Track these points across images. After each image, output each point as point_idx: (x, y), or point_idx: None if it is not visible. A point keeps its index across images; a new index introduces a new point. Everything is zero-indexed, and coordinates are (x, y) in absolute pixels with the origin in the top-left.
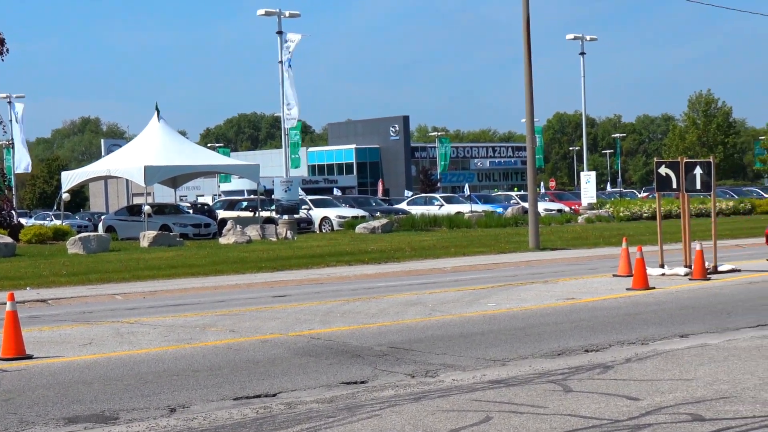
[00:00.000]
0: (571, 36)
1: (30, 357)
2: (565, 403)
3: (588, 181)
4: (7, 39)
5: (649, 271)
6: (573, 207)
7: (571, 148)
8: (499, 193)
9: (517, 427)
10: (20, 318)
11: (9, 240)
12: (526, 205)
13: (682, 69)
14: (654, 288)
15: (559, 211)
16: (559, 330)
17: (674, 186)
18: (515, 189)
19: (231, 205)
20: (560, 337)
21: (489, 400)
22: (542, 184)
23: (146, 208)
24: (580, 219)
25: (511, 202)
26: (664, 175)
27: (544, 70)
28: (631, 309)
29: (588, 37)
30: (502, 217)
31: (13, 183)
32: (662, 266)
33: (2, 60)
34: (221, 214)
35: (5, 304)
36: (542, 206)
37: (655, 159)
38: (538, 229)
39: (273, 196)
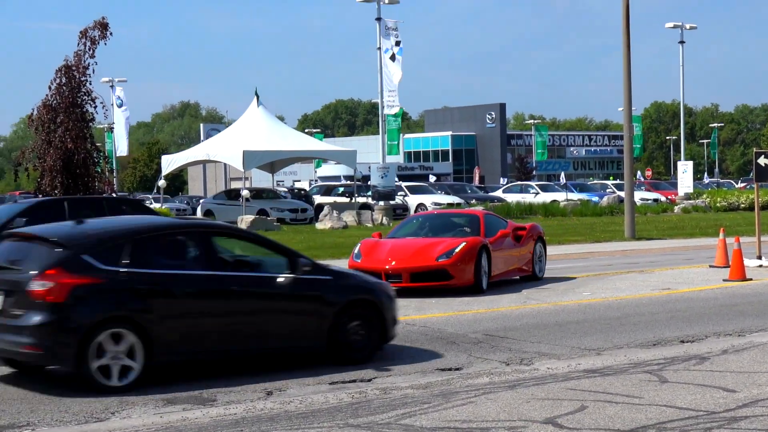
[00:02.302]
0: (671, 24)
1: None
2: (660, 394)
3: (685, 170)
4: (110, 23)
5: (746, 262)
6: (669, 197)
7: (668, 138)
8: (595, 181)
9: (612, 416)
10: None
11: None
12: (622, 194)
13: None
14: (751, 279)
15: (656, 200)
16: (654, 320)
17: None
18: (611, 178)
19: (328, 191)
20: (656, 328)
21: (584, 389)
22: (638, 173)
23: (245, 193)
24: (676, 209)
25: (607, 191)
26: (763, 165)
27: (641, 58)
28: (728, 300)
29: (688, 26)
30: (597, 206)
31: (114, 166)
32: (759, 257)
33: (105, 44)
34: (318, 199)
35: None
36: (638, 195)
37: (754, 149)
38: (633, 219)
39: (369, 182)
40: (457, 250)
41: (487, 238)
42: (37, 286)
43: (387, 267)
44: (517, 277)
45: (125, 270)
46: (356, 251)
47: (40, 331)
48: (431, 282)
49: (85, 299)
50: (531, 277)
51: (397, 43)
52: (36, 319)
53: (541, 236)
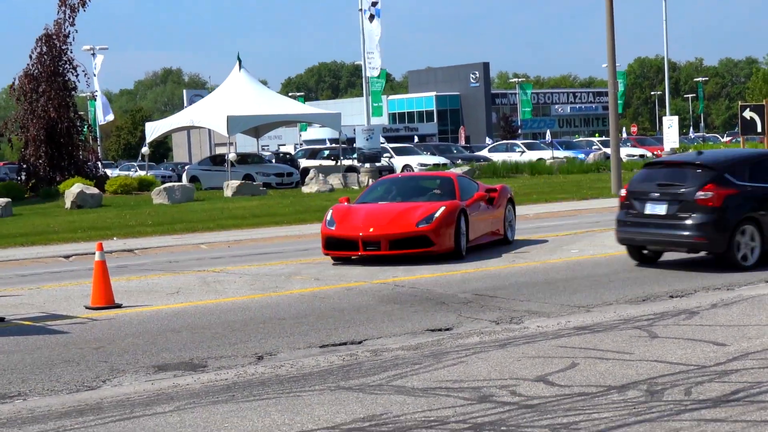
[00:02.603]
0: None
1: (119, 306)
2: (651, 349)
3: (670, 125)
4: None
5: None
6: (655, 152)
7: (652, 93)
8: (581, 139)
9: (603, 373)
10: (109, 268)
11: (95, 191)
12: (607, 150)
13: (766, 11)
14: None
15: (642, 156)
16: (643, 276)
17: (759, 129)
18: (596, 135)
19: (313, 154)
20: (645, 283)
21: (574, 347)
22: (624, 129)
23: (231, 156)
24: None
25: (593, 148)
26: (749, 118)
27: (624, 13)
28: None
29: None
30: (583, 164)
31: (98, 134)
32: None
33: (84, 11)
34: (303, 163)
35: (94, 254)
36: (624, 152)
37: (740, 103)
38: (620, 175)
39: (354, 145)
40: (437, 215)
41: (463, 202)
42: (701, 196)
43: (364, 234)
44: (487, 241)
45: (749, 184)
46: (329, 218)
47: (705, 227)
48: (411, 249)
49: (731, 205)
50: (503, 241)
51: (374, 3)
52: (702, 218)
53: (511, 198)
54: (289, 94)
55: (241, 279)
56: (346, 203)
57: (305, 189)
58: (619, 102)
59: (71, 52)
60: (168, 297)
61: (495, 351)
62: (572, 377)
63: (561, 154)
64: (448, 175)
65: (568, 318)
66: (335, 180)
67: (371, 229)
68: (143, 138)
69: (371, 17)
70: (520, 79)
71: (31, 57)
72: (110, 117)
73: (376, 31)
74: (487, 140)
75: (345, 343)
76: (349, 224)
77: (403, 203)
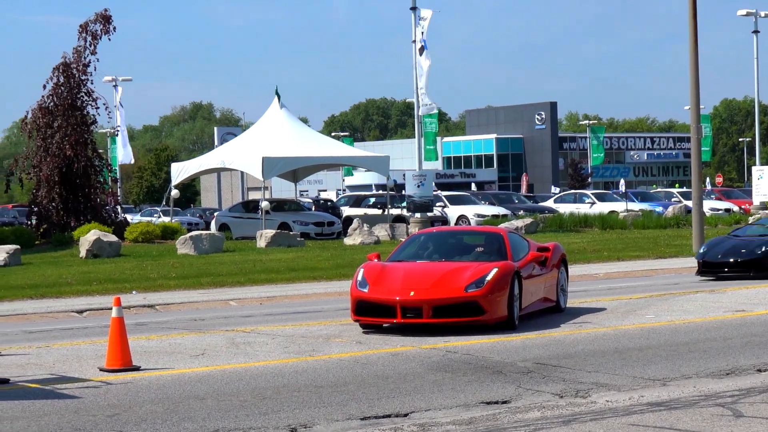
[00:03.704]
0: (744, 12)
1: (137, 368)
2: (735, 430)
3: (761, 176)
4: (113, 16)
5: None
6: (743, 206)
7: (741, 139)
8: (659, 189)
9: None
10: (126, 325)
11: (114, 238)
12: (689, 203)
13: None
14: None
15: (727, 210)
16: (727, 346)
17: None
18: (677, 185)
19: (357, 202)
20: (729, 355)
21: (648, 425)
22: (708, 179)
23: (264, 204)
24: (750, 220)
25: (672, 200)
26: None
27: (710, 49)
28: None
29: (762, 13)
30: (661, 218)
31: (118, 175)
32: None
33: (108, 39)
34: (346, 211)
35: (111, 309)
36: (708, 205)
37: None
38: (703, 231)
39: (404, 192)
40: (488, 277)
41: (516, 263)
42: None
43: (402, 298)
44: (537, 309)
45: None
46: (360, 278)
47: None
48: (458, 318)
49: None
50: (554, 308)
51: (423, 33)
52: None
53: (564, 259)
54: (332, 134)
55: (274, 341)
56: (376, 260)
57: (348, 241)
58: (703, 149)
59: (91, 83)
60: (192, 359)
61: (558, 428)
62: None
63: (636, 206)
64: (496, 230)
65: (642, 392)
66: (381, 231)
67: (411, 293)
68: (168, 180)
69: (421, 50)
70: (591, 121)
71: (45, 87)
72: (128, 158)
73: (424, 64)
74: (553, 189)
75: (389, 416)
76: (384, 286)
77: (447, 263)
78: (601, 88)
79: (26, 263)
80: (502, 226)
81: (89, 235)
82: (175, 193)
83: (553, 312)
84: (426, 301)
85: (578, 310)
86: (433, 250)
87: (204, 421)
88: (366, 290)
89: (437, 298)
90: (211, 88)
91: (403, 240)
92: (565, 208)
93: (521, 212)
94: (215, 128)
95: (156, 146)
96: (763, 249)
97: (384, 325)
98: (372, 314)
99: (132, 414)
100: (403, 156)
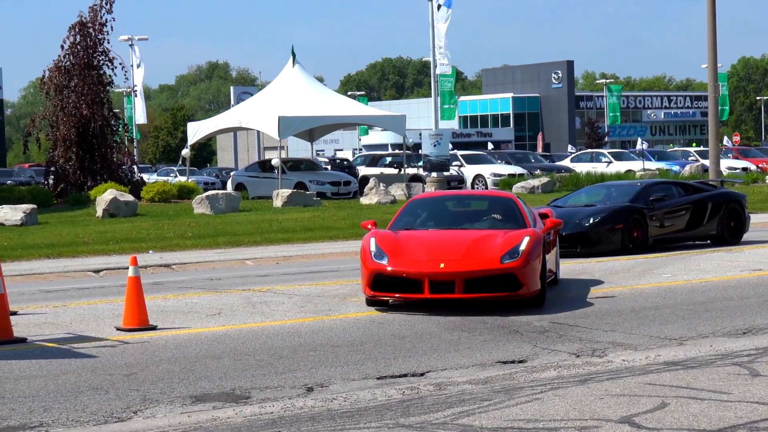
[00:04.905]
0: None
1: (154, 328)
2: (752, 389)
3: None
4: None
5: None
6: (760, 165)
7: (758, 98)
8: (676, 148)
9: (697, 415)
10: (143, 285)
11: (130, 198)
12: (706, 162)
13: None
14: None
15: (744, 169)
16: (744, 305)
17: None
18: (693, 144)
19: (373, 161)
20: (746, 314)
21: (664, 384)
22: (725, 138)
23: (275, 161)
24: None
25: (689, 159)
26: None
27: (728, 7)
28: None
29: None
30: (678, 177)
31: (135, 135)
32: None
33: None
34: (362, 170)
35: (127, 269)
36: (725, 164)
37: None
38: None
39: (420, 151)
40: (522, 246)
41: (539, 230)
42: None
43: (431, 271)
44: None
45: None
46: (373, 248)
47: None
48: (493, 292)
49: None
50: (553, 281)
51: None
52: None
53: (559, 226)
54: (348, 93)
55: (290, 300)
56: (371, 226)
57: (364, 200)
58: (720, 108)
59: (108, 43)
60: (208, 319)
61: (574, 387)
62: (661, 419)
63: (653, 165)
64: (506, 195)
65: (658, 352)
66: (398, 190)
67: (441, 265)
68: (184, 140)
69: (439, 6)
70: (607, 80)
71: (62, 47)
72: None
73: (441, 23)
74: (570, 148)
75: (405, 375)
76: (406, 257)
77: (469, 231)
78: (618, 47)
79: (43, 223)
80: (517, 186)
81: (106, 195)
82: (186, 152)
83: (551, 284)
84: (458, 274)
85: (592, 269)
86: (443, 217)
87: (220, 380)
88: (385, 262)
89: (470, 270)
90: (228, 47)
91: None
92: (581, 168)
93: (538, 171)
94: (231, 88)
95: (172, 106)
96: (591, 221)
97: (391, 300)
98: (393, 289)
99: (149, 373)
100: (420, 115)
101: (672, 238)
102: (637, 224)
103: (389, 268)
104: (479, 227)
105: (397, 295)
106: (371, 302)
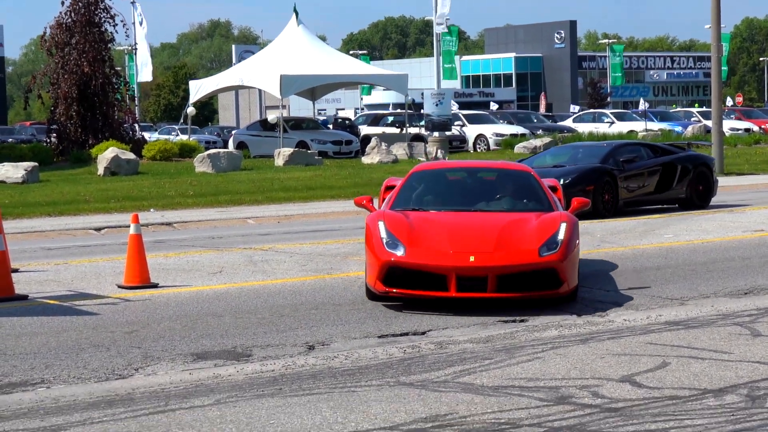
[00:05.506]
0: None
1: (155, 285)
2: (752, 349)
3: None
4: None
5: None
6: (763, 126)
7: (762, 59)
8: (678, 109)
9: (698, 374)
10: (144, 243)
11: (132, 156)
12: (708, 123)
13: None
14: None
15: (747, 130)
16: (746, 266)
17: None
18: (696, 105)
19: (375, 120)
20: (748, 274)
21: (666, 344)
22: (728, 99)
23: (271, 118)
24: None
25: (692, 119)
26: None
27: None
28: None
29: None
30: (681, 137)
31: (136, 93)
32: None
33: None
34: (364, 130)
35: (129, 227)
36: (727, 125)
37: None
38: (722, 151)
39: (422, 111)
40: (560, 236)
41: (567, 211)
42: None
43: (460, 265)
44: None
45: None
46: (385, 235)
47: None
48: (531, 291)
49: None
50: None
51: None
52: None
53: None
54: (351, 52)
55: (292, 258)
56: (365, 201)
57: (365, 159)
58: (723, 68)
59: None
60: (209, 277)
61: (575, 347)
62: (662, 378)
63: (655, 126)
64: (522, 168)
65: (659, 311)
66: (399, 150)
67: (472, 258)
68: (186, 98)
69: None
70: (610, 41)
71: (63, 3)
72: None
73: None
74: (572, 108)
75: (406, 334)
76: (427, 247)
77: (493, 214)
78: (621, 7)
79: (44, 180)
80: (519, 146)
81: (107, 153)
82: (191, 110)
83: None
84: (491, 269)
85: (594, 229)
86: (453, 193)
87: (222, 338)
88: (401, 253)
89: (505, 264)
90: (229, 5)
91: (421, 158)
92: (584, 128)
93: (540, 131)
94: (233, 46)
95: (174, 64)
96: (561, 182)
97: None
98: (411, 285)
99: (150, 331)
100: (422, 75)
101: (641, 201)
102: (608, 186)
103: (407, 261)
104: (500, 208)
105: (416, 293)
106: (377, 297)
